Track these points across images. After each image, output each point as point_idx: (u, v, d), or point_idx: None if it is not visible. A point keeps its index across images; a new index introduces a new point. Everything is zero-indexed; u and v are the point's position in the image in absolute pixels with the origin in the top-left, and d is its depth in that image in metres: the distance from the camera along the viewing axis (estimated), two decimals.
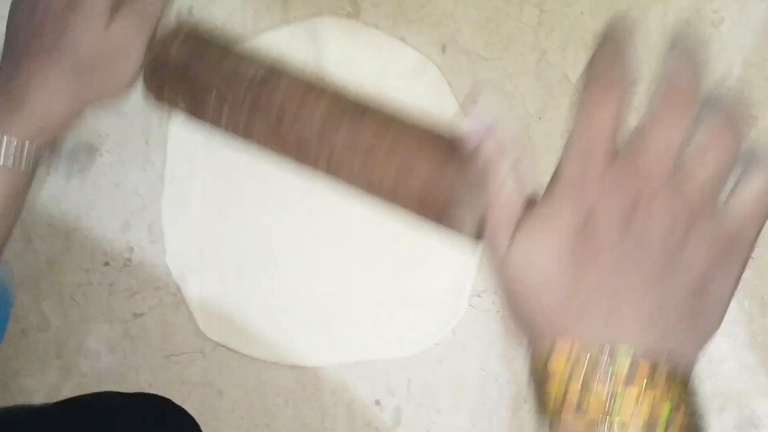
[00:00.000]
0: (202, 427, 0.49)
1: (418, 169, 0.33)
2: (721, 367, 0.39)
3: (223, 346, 0.49)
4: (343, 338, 0.47)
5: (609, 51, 0.31)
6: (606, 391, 0.30)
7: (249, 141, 0.38)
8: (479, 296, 0.44)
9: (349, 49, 0.48)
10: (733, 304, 0.40)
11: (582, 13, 0.43)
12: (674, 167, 0.30)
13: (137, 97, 0.52)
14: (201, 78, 0.37)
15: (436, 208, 0.33)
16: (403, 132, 0.34)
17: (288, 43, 0.49)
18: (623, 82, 0.30)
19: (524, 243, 0.33)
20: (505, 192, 0.34)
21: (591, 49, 0.34)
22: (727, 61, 0.41)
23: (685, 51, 0.30)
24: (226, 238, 0.49)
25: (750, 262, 0.39)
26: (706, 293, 0.32)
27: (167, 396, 0.50)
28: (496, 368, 0.43)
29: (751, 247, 0.33)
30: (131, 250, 0.51)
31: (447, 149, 0.33)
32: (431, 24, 0.46)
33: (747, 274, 0.40)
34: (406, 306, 0.45)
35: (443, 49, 0.46)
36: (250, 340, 0.48)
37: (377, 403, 0.45)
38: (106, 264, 0.52)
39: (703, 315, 0.32)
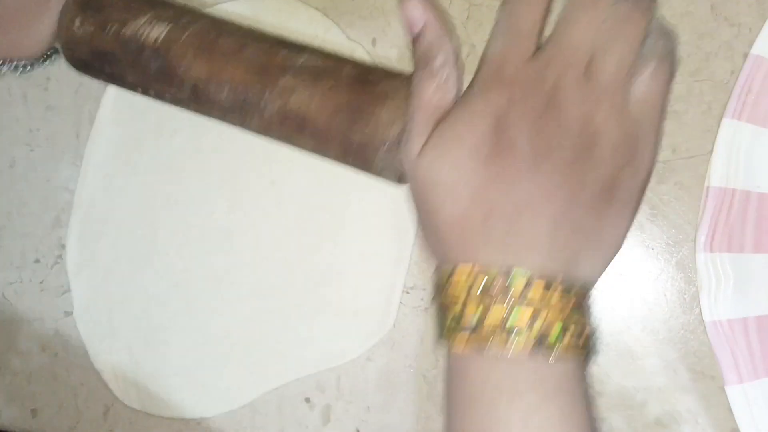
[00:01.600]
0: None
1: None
2: (642, 362, 0.39)
3: (145, 412, 0.47)
4: (275, 368, 0.45)
5: None
6: (501, 311, 0.30)
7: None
8: (408, 293, 0.43)
9: (287, 30, 0.47)
10: (654, 299, 0.40)
11: None
12: (589, 60, 0.32)
13: (68, 91, 0.51)
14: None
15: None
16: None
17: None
18: None
19: (438, 141, 0.34)
20: (435, 86, 0.35)
21: None
22: None
23: None
24: (136, 293, 0.48)
25: (671, 257, 0.40)
26: (611, 200, 0.32)
27: (101, 397, 0.49)
28: (424, 365, 0.43)
29: (655, 145, 0.33)
30: (62, 247, 0.50)
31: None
32: (362, 16, 0.45)
33: (670, 270, 0.40)
34: (337, 317, 0.44)
35: (373, 42, 0.45)
36: (172, 402, 0.47)
37: (307, 401, 0.44)
38: (37, 261, 0.51)
39: (604, 230, 0.33)
